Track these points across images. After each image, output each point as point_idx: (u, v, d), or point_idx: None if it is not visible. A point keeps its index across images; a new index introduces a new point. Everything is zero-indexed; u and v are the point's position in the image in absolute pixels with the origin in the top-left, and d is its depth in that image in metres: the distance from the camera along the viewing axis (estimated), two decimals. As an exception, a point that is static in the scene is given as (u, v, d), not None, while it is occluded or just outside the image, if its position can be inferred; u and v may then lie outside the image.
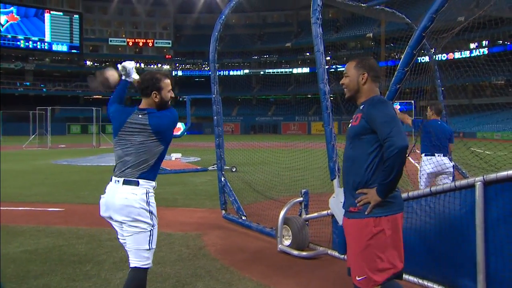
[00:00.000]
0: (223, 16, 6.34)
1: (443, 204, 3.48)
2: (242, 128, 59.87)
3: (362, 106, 2.54)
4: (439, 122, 5.93)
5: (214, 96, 6.49)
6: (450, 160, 5.81)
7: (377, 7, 6.83)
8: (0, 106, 39.02)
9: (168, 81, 3.02)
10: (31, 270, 4.24)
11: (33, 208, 7.43)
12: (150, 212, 2.84)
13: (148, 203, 2.84)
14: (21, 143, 27.40)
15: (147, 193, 2.85)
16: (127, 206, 2.77)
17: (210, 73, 6.60)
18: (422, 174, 5.79)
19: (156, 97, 2.96)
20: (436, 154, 5.69)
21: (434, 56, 7.54)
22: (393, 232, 2.40)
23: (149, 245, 2.83)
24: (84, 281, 3.93)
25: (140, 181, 2.83)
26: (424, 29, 3.51)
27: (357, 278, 2.43)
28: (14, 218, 6.66)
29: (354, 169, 2.49)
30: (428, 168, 5.68)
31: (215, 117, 6.54)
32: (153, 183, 2.92)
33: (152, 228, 2.86)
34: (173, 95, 3.07)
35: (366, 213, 2.40)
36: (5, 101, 53.26)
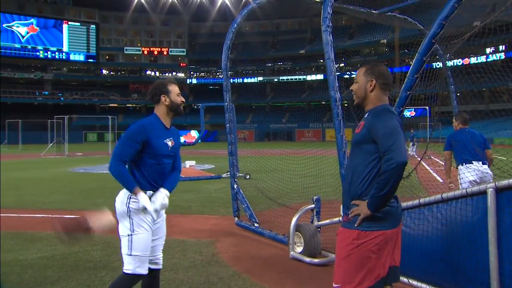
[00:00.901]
0: (235, 25, 6.42)
1: (454, 211, 3.46)
2: (256, 135, 59.97)
3: (367, 114, 2.50)
4: (467, 130, 5.72)
5: (226, 104, 6.55)
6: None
7: (389, 13, 6.84)
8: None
9: (175, 86, 3.07)
10: (48, 276, 4.33)
11: (50, 215, 7.56)
12: (129, 218, 2.85)
13: (128, 208, 2.86)
14: (40, 151, 27.94)
15: (128, 197, 2.87)
16: (115, 207, 2.91)
17: (223, 81, 6.67)
18: (463, 184, 5.47)
19: (166, 100, 2.99)
20: (474, 161, 5.46)
21: (448, 62, 7.50)
22: (377, 249, 2.30)
23: (129, 251, 2.82)
24: (99, 287, 3.99)
25: None
26: (434, 35, 3.51)
27: (334, 285, 2.42)
28: (32, 225, 6.81)
29: (351, 178, 2.44)
30: (468, 175, 5.43)
31: (228, 125, 6.61)
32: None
33: (131, 234, 2.83)
34: (183, 100, 3.09)
35: (355, 225, 2.33)
36: (25, 110, 54.59)
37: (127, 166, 2.89)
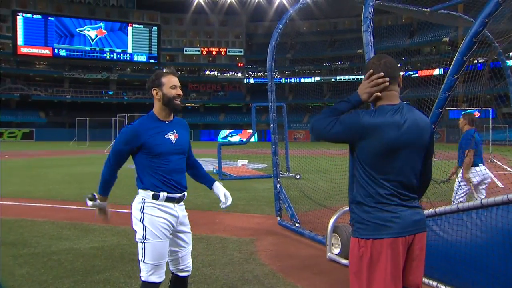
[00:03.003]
0: (280, 26, 6.47)
1: (495, 217, 3.29)
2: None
3: None
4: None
5: (271, 104, 6.62)
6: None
7: (442, 11, 6.57)
8: None
9: (171, 77, 2.72)
10: (96, 265, 4.63)
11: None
12: (143, 224, 2.63)
13: (142, 213, 2.65)
14: (104, 148, 29.52)
15: (142, 202, 2.67)
16: (131, 211, 2.76)
17: (267, 81, 6.75)
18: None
19: (157, 94, 2.69)
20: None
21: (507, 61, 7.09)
22: (371, 261, 2.05)
23: (142, 257, 2.64)
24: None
25: (139, 189, 2.73)
26: (475, 34, 3.36)
27: None
28: (88, 217, 7.25)
29: (349, 184, 2.25)
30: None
31: (272, 125, 6.67)
32: (150, 192, 2.66)
33: (144, 241, 2.61)
34: (179, 93, 2.73)
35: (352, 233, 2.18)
36: (92, 109, 58.10)
37: (136, 174, 2.73)
